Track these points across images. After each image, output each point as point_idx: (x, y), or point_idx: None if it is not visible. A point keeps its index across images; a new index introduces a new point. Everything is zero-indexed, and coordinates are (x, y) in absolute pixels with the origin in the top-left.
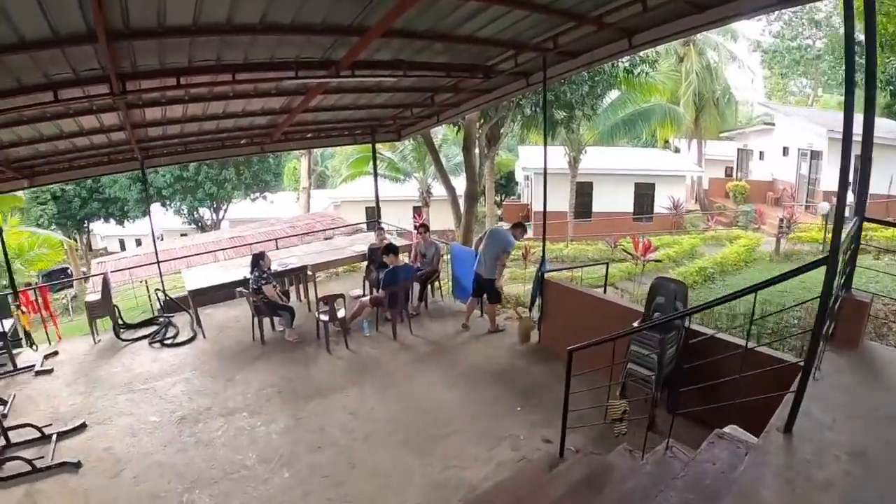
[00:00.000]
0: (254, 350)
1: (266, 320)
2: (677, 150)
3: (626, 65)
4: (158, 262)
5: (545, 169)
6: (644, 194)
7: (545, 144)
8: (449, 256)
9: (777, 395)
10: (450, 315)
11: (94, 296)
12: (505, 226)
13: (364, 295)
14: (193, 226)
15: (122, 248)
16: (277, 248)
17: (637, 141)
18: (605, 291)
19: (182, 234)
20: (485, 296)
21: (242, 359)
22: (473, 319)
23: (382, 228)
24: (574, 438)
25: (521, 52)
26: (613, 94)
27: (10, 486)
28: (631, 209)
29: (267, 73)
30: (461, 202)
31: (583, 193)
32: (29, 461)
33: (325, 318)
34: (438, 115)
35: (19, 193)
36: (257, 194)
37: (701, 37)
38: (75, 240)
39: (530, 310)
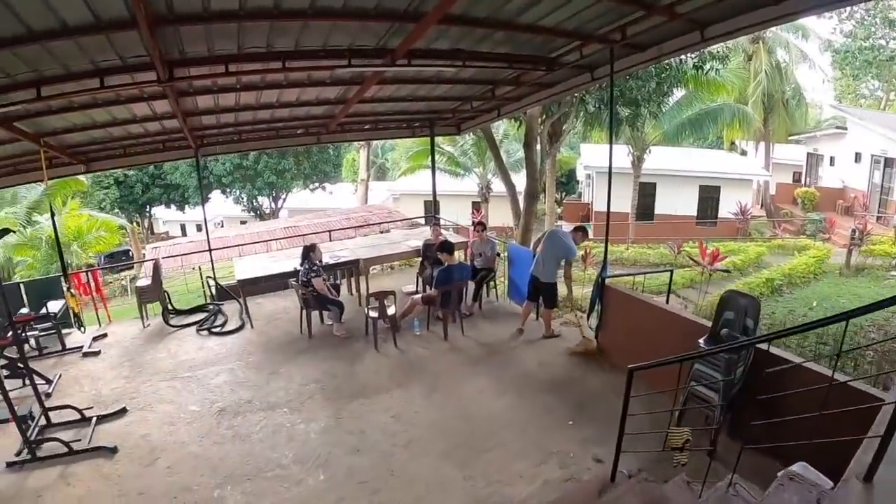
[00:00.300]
0: (300, 343)
1: (315, 314)
2: (744, 153)
3: (695, 61)
4: (210, 250)
5: (610, 168)
6: (708, 197)
7: (611, 142)
8: (506, 256)
9: (858, 437)
10: (504, 317)
11: (144, 280)
12: (565, 227)
13: (417, 292)
14: (252, 214)
15: (184, 233)
16: (331, 240)
17: (702, 142)
18: (667, 301)
19: (241, 222)
20: (541, 299)
21: (288, 351)
22: (528, 323)
23: (438, 224)
24: (628, 461)
25: (587, 43)
26: (679, 93)
27: (47, 467)
28: (694, 212)
29: (319, 61)
30: (521, 200)
31: (645, 194)
32: (66, 443)
33: (374, 314)
34: (499, 110)
35: (82, 178)
36: (316, 185)
37: (770, 34)
38: (137, 224)
39: (588, 317)
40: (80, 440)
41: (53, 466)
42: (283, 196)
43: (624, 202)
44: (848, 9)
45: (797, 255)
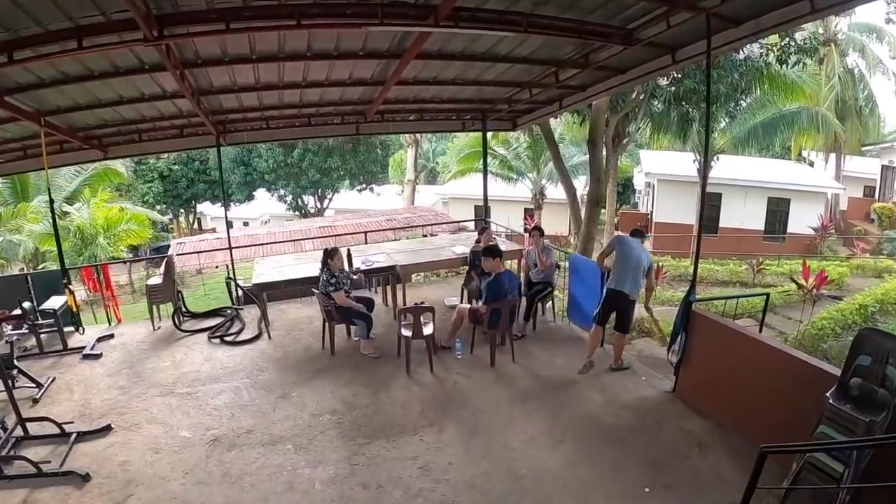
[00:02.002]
0: (320, 360)
1: (341, 326)
2: (811, 165)
3: (777, 53)
4: (231, 248)
5: (704, 168)
6: (777, 211)
7: (707, 138)
8: (566, 268)
9: None
10: (563, 342)
11: (156, 279)
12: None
13: (458, 303)
14: (297, 213)
15: (230, 229)
16: (366, 242)
17: (766, 151)
18: (760, 330)
19: (287, 220)
20: (613, 320)
21: (304, 370)
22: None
23: (489, 227)
24: None
25: (675, 10)
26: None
27: (14, 487)
28: (761, 226)
29: (342, 18)
30: (581, 206)
31: (709, 205)
32: (35, 463)
33: (406, 332)
34: (561, 101)
35: (122, 170)
36: (363, 186)
37: (843, 35)
38: (181, 219)
39: (669, 349)
40: (50, 461)
41: (20, 488)
42: (329, 196)
43: (687, 213)
44: None
45: (886, 277)
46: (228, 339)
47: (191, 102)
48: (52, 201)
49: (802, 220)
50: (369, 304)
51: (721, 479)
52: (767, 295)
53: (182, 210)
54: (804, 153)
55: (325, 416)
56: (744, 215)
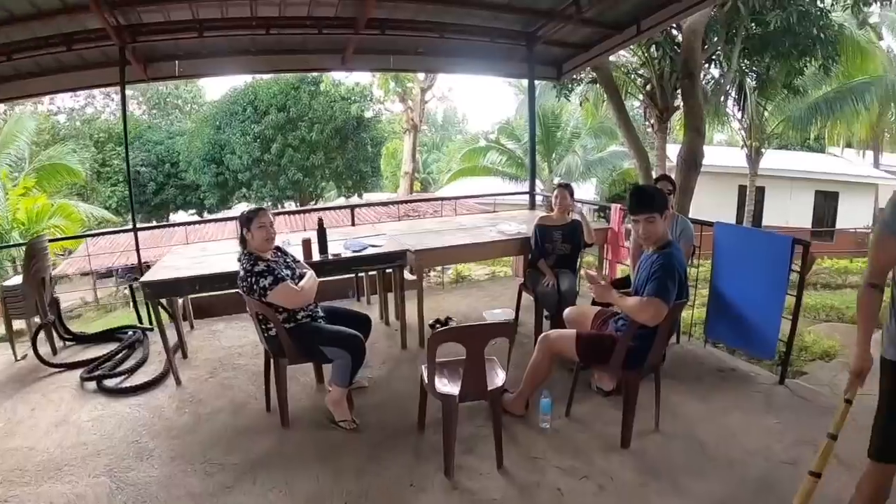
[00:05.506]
0: (259, 437)
1: (303, 365)
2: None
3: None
4: (135, 230)
5: None
6: (825, 205)
7: None
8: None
9: None
10: (715, 381)
11: (15, 279)
12: None
13: (510, 323)
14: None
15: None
16: (354, 224)
17: (800, 143)
18: None
19: None
20: None
21: (225, 464)
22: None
23: (567, 187)
24: None
25: None
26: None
27: None
28: (808, 223)
29: None
30: (674, 173)
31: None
32: None
33: (446, 386)
34: (639, 23)
35: (77, 166)
36: (351, 191)
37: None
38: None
39: None
40: None
41: None
42: (314, 202)
43: (725, 211)
44: None
45: None
46: (111, 382)
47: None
48: None
49: (851, 216)
50: (360, 323)
51: None
52: None
53: (153, 220)
54: (836, 149)
55: None
56: (789, 211)
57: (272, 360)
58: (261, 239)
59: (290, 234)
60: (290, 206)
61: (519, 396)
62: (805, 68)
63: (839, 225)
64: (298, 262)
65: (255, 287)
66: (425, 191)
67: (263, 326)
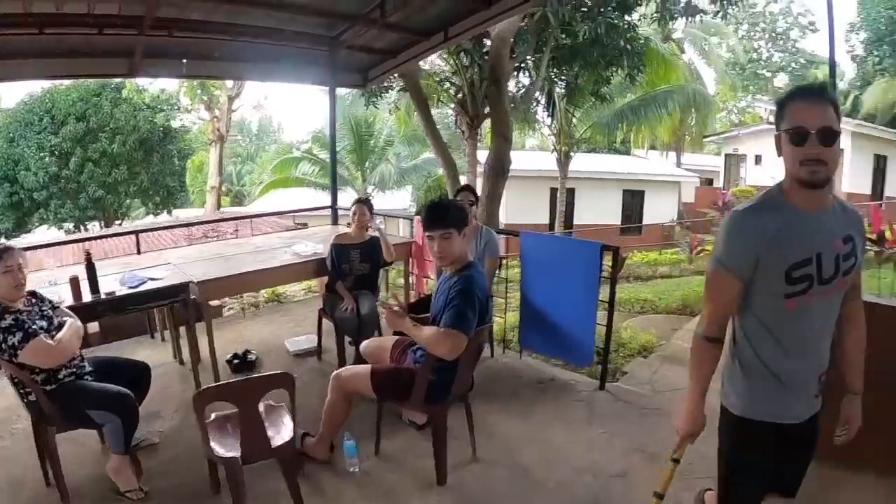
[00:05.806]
0: None
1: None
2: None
3: (655, 15)
4: None
5: None
6: (633, 203)
7: None
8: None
9: None
10: (533, 393)
11: None
12: None
13: (316, 349)
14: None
15: None
16: (139, 252)
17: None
18: None
19: None
20: None
21: None
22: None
23: (366, 202)
24: None
25: None
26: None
27: None
28: (616, 220)
29: None
30: (478, 182)
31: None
32: None
33: (223, 448)
34: (447, 30)
35: None
36: (160, 209)
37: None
38: None
39: None
40: None
41: None
42: (120, 221)
43: (538, 213)
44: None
45: None
46: None
47: None
48: None
49: (657, 211)
50: (138, 374)
51: None
52: None
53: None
54: (641, 151)
55: None
56: (598, 210)
57: (37, 426)
58: (8, 286)
59: (58, 270)
60: (95, 227)
61: (320, 441)
62: (612, 77)
63: (646, 220)
64: (58, 307)
65: (2, 346)
66: (239, 204)
67: (21, 391)
